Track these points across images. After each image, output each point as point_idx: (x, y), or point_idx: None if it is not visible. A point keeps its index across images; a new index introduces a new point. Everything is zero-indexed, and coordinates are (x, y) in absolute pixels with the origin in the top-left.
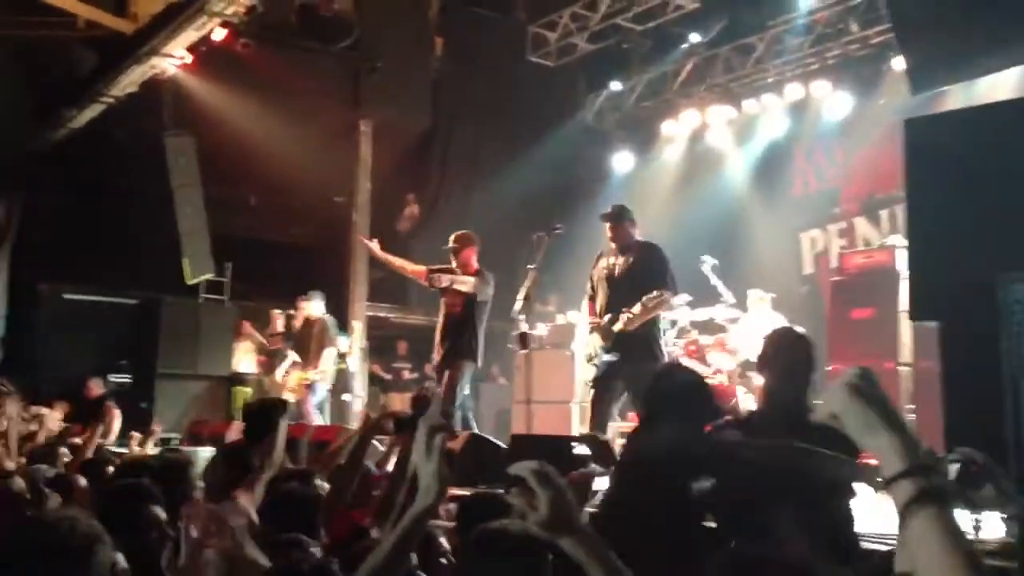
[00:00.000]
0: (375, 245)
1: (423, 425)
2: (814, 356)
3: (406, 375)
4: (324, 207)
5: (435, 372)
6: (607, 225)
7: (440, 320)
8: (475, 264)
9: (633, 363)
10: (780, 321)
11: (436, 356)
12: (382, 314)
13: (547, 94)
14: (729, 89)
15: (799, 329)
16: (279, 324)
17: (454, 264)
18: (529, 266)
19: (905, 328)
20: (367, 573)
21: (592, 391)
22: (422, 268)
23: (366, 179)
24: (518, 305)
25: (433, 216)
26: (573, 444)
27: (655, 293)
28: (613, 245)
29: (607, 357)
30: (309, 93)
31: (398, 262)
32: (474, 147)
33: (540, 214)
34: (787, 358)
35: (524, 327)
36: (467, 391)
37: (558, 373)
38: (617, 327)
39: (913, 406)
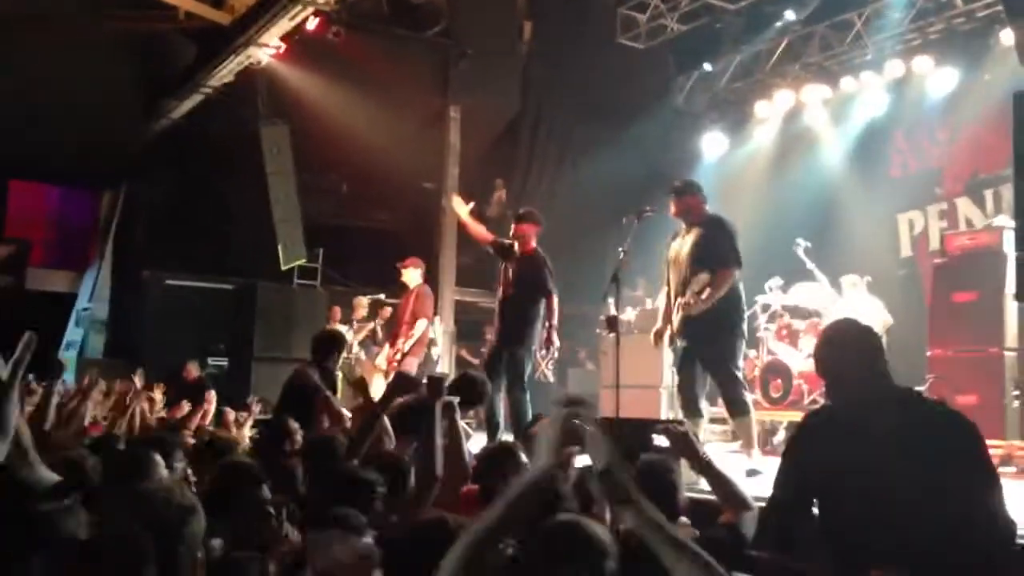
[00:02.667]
0: (464, 209)
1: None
2: None
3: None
4: (413, 193)
5: (489, 351)
6: (671, 200)
7: (498, 300)
8: (533, 244)
9: (705, 346)
10: (877, 305)
11: (492, 337)
12: (469, 299)
13: (636, 77)
14: (825, 67)
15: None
16: (363, 310)
17: (512, 236)
18: (619, 249)
19: (1011, 312)
20: (473, 539)
21: (677, 378)
22: (490, 236)
23: (455, 165)
24: (607, 289)
25: (521, 201)
26: (654, 435)
27: (701, 276)
28: (683, 224)
29: (680, 343)
30: (399, 80)
31: (475, 228)
32: (563, 131)
33: (629, 198)
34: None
35: (612, 311)
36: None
37: (646, 358)
38: (678, 317)
39: (1018, 392)
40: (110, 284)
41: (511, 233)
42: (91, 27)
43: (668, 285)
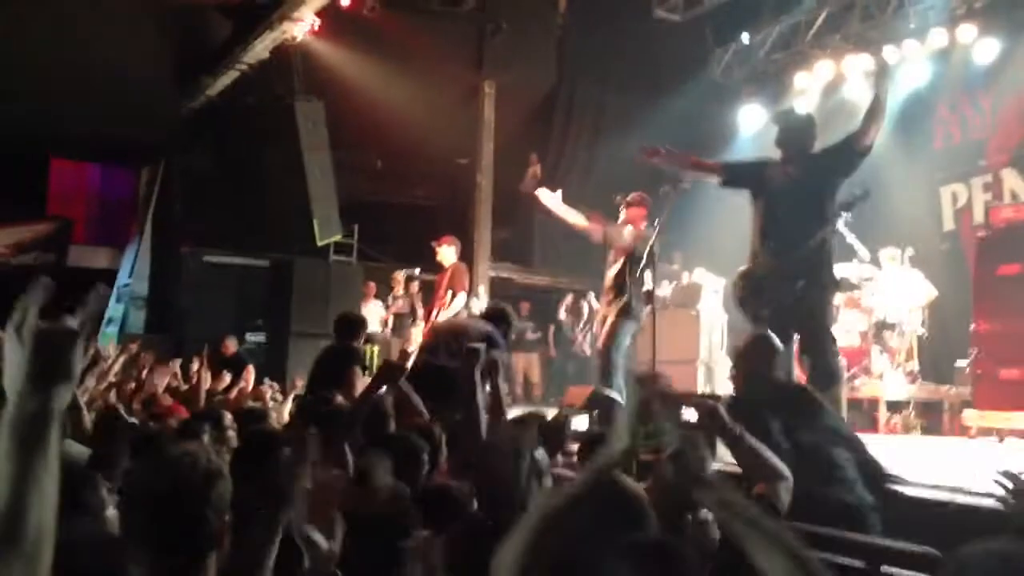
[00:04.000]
0: (554, 198)
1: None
2: None
3: (529, 335)
4: (448, 169)
5: (599, 326)
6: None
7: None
8: (642, 225)
9: None
10: (917, 279)
11: (601, 311)
12: (505, 275)
13: (673, 49)
14: (866, 37)
15: None
16: (400, 286)
17: (621, 220)
18: (655, 221)
19: None
20: (540, 521)
21: None
22: (592, 224)
23: (489, 140)
24: (642, 263)
25: (557, 176)
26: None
27: None
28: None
29: None
30: (433, 55)
31: (571, 217)
32: (598, 105)
33: (664, 172)
34: None
35: (649, 285)
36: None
37: (683, 332)
38: None
39: None
40: (150, 261)
41: (621, 219)
42: (128, 5)
43: None
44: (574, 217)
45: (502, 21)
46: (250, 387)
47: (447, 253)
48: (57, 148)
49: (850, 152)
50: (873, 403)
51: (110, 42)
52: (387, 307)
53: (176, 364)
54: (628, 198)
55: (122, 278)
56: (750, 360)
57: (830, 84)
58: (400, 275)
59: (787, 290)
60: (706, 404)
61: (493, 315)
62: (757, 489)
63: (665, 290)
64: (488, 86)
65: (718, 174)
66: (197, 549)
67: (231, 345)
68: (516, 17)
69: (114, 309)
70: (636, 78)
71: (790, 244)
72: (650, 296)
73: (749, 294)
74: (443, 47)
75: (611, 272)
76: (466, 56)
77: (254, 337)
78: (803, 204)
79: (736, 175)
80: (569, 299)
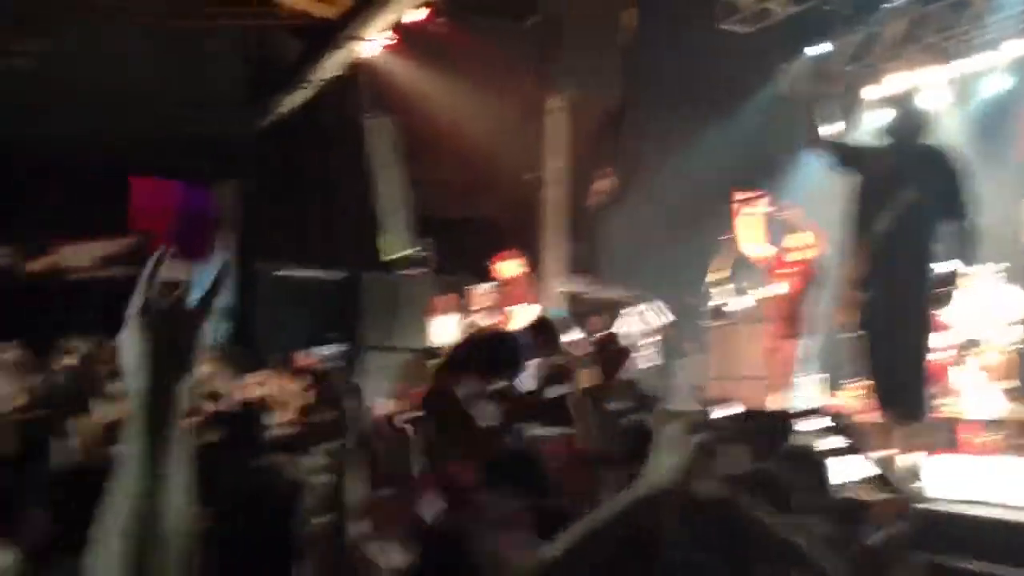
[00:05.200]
0: None
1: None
2: None
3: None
4: (516, 184)
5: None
6: None
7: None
8: None
9: None
10: (1012, 293)
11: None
12: (577, 289)
13: (741, 62)
14: (942, 48)
15: None
16: (478, 300)
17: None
18: (725, 237)
19: None
20: (581, 535)
21: None
22: None
23: (557, 155)
24: (712, 278)
25: (624, 191)
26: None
27: None
28: None
29: None
30: (501, 70)
31: None
32: (665, 119)
33: (734, 186)
34: None
35: (719, 301)
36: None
37: (755, 348)
38: None
39: None
40: (226, 275)
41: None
42: (205, 28)
43: None
44: None
45: (568, 34)
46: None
47: (509, 268)
48: (139, 166)
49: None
50: (954, 421)
51: (188, 63)
52: (460, 323)
53: (254, 376)
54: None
55: (197, 292)
56: None
57: (902, 97)
58: (476, 289)
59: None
60: (847, 423)
61: (534, 327)
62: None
63: (736, 305)
64: (554, 101)
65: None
66: (282, 557)
67: (304, 359)
68: (582, 30)
69: None
70: (704, 91)
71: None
72: (719, 312)
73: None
74: (510, 61)
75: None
76: (533, 70)
77: (326, 351)
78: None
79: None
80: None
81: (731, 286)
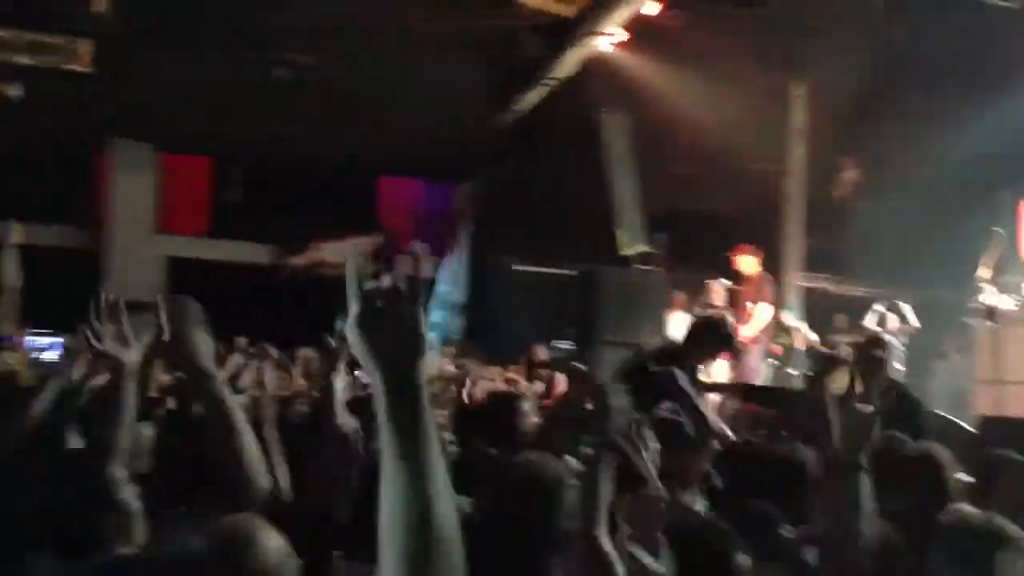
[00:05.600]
0: None
1: None
2: None
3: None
4: (754, 175)
5: None
6: None
7: None
8: None
9: None
10: None
11: None
12: (818, 285)
13: (1007, 40)
14: None
15: None
16: (717, 295)
17: None
18: (994, 229)
19: None
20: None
21: None
22: None
23: (799, 145)
24: (982, 274)
25: (874, 181)
26: None
27: None
28: None
29: None
30: (739, 58)
31: None
32: (919, 104)
33: (998, 174)
34: None
35: (990, 299)
36: None
37: None
38: None
39: None
40: (466, 270)
41: None
42: (445, 29)
43: None
44: None
45: (812, 18)
46: (556, 394)
47: (747, 263)
48: (385, 166)
49: None
50: None
51: (430, 65)
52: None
53: (496, 371)
54: None
55: (441, 287)
56: None
57: None
58: (716, 284)
59: None
60: None
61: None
62: None
63: (1006, 303)
64: (797, 87)
65: None
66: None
67: (540, 353)
68: (827, 14)
69: (435, 316)
70: (964, 73)
71: None
72: (992, 311)
73: None
74: (749, 50)
75: None
76: (773, 57)
77: (563, 345)
78: None
79: None
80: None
81: (1000, 284)
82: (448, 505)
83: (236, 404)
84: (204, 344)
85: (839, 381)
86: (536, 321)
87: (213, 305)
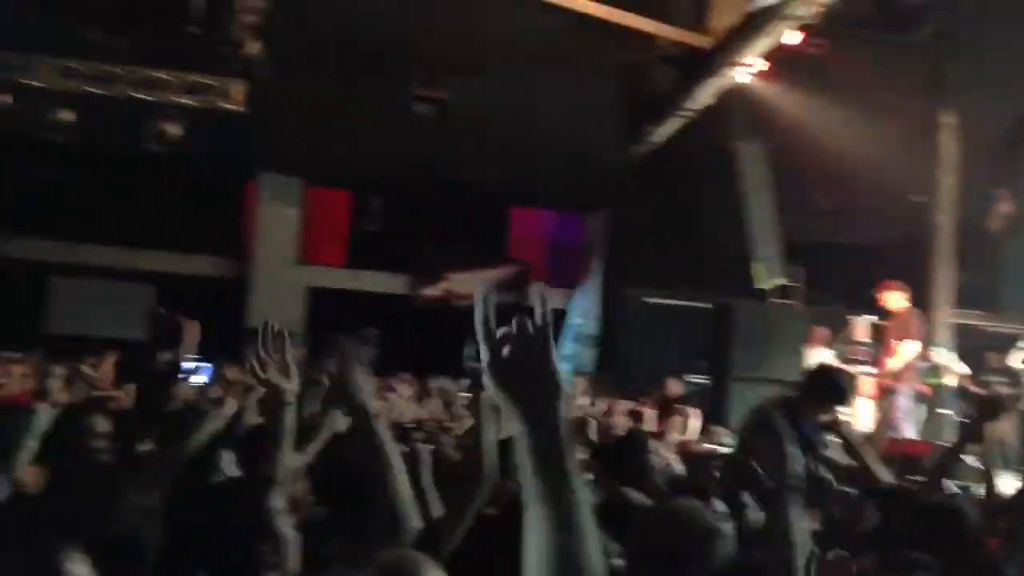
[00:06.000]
0: None
1: None
2: None
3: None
4: (900, 207)
5: None
6: None
7: None
8: None
9: None
10: None
11: None
12: (970, 321)
13: None
14: None
15: None
16: (860, 331)
17: None
18: None
19: None
20: None
21: None
22: None
23: (950, 175)
24: None
25: None
26: None
27: None
28: None
29: None
30: (885, 88)
31: None
32: None
33: None
34: None
35: None
36: None
37: None
38: None
39: None
40: (598, 302)
41: None
42: (580, 63)
43: None
44: None
45: (964, 46)
46: (691, 430)
47: (894, 299)
48: (517, 197)
49: None
50: None
51: (564, 98)
52: (838, 354)
53: (625, 405)
54: None
55: (571, 317)
56: None
57: None
58: (859, 320)
59: None
60: None
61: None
62: None
63: None
64: (947, 116)
65: None
66: None
67: (674, 386)
68: (980, 40)
69: (567, 348)
70: None
71: None
72: None
73: None
74: (896, 78)
75: None
76: (922, 85)
77: (695, 379)
78: None
79: None
80: None
81: None
82: (595, 548)
83: (392, 442)
84: (366, 384)
85: (1000, 427)
86: (668, 354)
87: (350, 334)
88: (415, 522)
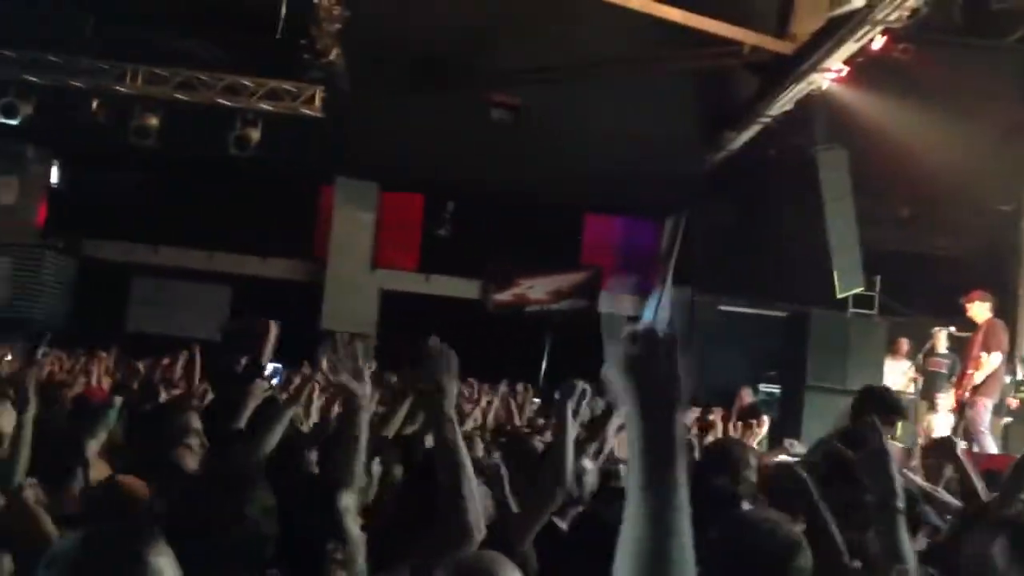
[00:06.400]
0: None
1: None
2: None
3: None
4: (985, 216)
5: None
6: None
7: None
8: None
9: None
10: None
11: None
12: None
13: None
14: None
15: None
16: (942, 343)
17: None
18: None
19: None
20: None
21: None
22: None
23: None
24: None
25: None
26: None
27: None
28: None
29: None
30: (971, 93)
31: None
32: None
33: None
34: None
35: None
36: None
37: None
38: None
39: None
40: (669, 308)
41: None
42: (654, 67)
43: None
44: None
45: None
46: (760, 437)
47: (979, 309)
48: (591, 202)
49: None
50: None
51: (640, 103)
52: (917, 366)
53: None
54: None
55: (647, 318)
56: None
57: None
58: (940, 332)
59: None
60: None
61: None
62: None
63: None
64: None
65: None
66: None
67: (746, 395)
68: None
69: None
70: None
71: None
72: None
73: None
74: (983, 84)
75: None
76: (1012, 91)
77: (768, 388)
78: None
79: None
80: None
81: None
82: (687, 546)
83: (466, 451)
84: (452, 393)
85: None
86: (741, 363)
87: (423, 338)
88: (480, 532)
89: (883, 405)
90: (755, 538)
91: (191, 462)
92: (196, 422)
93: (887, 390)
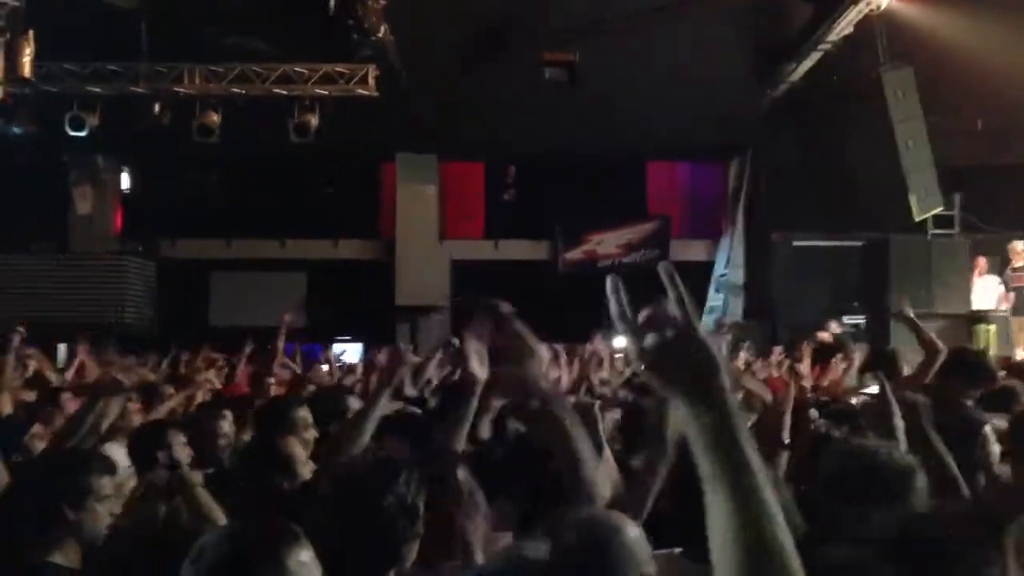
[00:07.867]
0: None
1: None
2: None
3: None
4: None
5: None
6: None
7: None
8: None
9: None
10: None
11: None
12: None
13: None
14: None
15: None
16: (1019, 257)
17: None
18: None
19: None
20: None
21: None
22: None
23: None
24: None
25: None
26: None
27: None
28: None
29: None
30: None
31: None
32: None
33: None
34: None
35: None
36: None
37: None
38: None
39: None
40: (743, 250)
41: None
42: (702, 4)
43: None
44: None
45: None
46: (854, 368)
47: None
48: (652, 151)
49: None
50: None
51: (692, 45)
52: (1004, 282)
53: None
54: None
55: (719, 268)
56: None
57: None
58: (1019, 245)
59: None
60: None
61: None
62: None
63: None
64: None
65: None
66: None
67: (834, 327)
68: None
69: (714, 298)
70: None
71: None
72: None
73: None
74: None
75: None
76: None
77: (852, 320)
78: None
79: None
80: None
81: None
82: (779, 523)
83: (573, 422)
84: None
85: None
86: (820, 297)
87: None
88: (603, 491)
89: (965, 371)
90: (873, 461)
91: (302, 454)
92: (308, 414)
93: (971, 355)
